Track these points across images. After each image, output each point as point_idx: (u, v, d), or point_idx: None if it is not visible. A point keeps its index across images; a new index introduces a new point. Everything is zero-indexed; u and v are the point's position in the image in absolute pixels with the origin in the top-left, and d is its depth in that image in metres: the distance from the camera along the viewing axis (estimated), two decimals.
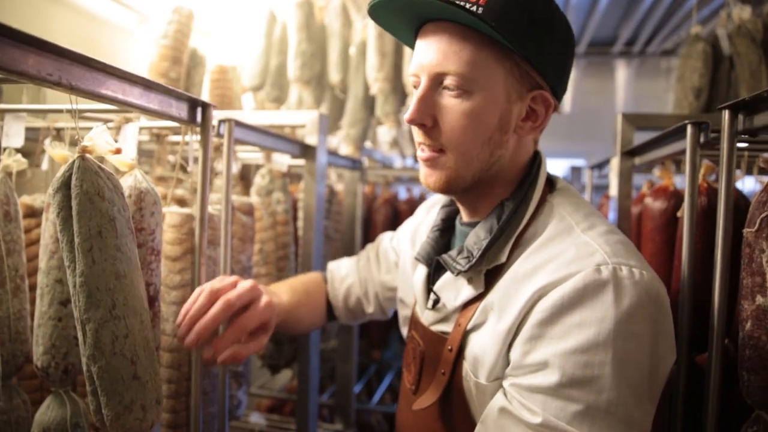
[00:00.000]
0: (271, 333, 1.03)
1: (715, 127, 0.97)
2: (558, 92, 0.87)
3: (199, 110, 0.96)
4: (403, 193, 3.03)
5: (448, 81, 0.82)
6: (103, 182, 0.75)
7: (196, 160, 1.23)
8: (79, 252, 0.74)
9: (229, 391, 1.18)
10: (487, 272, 0.86)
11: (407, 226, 1.23)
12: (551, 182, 0.93)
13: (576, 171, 2.59)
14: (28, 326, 0.98)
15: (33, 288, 1.10)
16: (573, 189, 0.92)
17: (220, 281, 0.97)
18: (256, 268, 1.59)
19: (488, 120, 0.83)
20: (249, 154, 1.69)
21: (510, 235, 0.85)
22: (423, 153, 0.88)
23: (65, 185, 0.74)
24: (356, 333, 2.28)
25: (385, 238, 1.32)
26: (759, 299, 0.83)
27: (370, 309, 1.29)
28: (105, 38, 2.02)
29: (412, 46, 0.91)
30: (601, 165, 1.97)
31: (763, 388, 0.83)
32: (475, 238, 0.87)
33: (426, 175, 0.89)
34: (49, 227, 0.94)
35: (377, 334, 2.60)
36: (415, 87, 0.88)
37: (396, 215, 2.67)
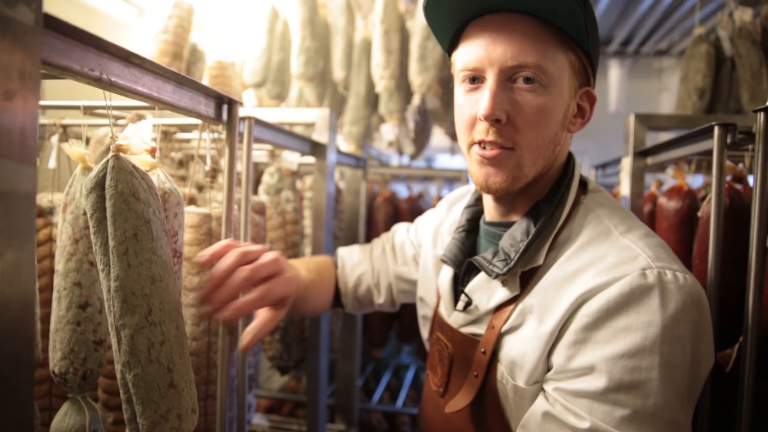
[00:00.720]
0: (288, 308, 0.97)
1: (742, 128, 0.98)
2: (593, 87, 0.87)
3: (225, 107, 0.93)
4: (403, 192, 3.02)
5: (525, 74, 0.79)
6: (138, 183, 0.73)
7: (203, 158, 1.21)
8: (114, 255, 0.71)
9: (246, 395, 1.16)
10: (522, 274, 0.85)
11: (427, 222, 1.21)
12: (583, 183, 0.92)
13: None
14: (38, 330, 0.95)
15: (42, 290, 1.07)
16: (605, 191, 0.91)
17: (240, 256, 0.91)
18: None
19: (557, 116, 0.82)
20: (255, 152, 1.66)
21: (546, 237, 0.84)
22: (487, 151, 0.83)
23: (99, 186, 0.71)
24: (359, 332, 2.27)
25: (401, 230, 1.30)
26: None
27: (380, 300, 1.27)
28: (102, 32, 1.97)
29: (444, 45, 0.89)
30: (606, 165, 1.98)
31: None
32: (511, 240, 0.85)
33: (488, 174, 0.84)
34: (66, 228, 0.91)
35: (378, 333, 2.59)
36: (464, 82, 0.84)
37: (396, 213, 2.66)
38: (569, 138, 0.89)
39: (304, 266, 1.20)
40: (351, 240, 2.21)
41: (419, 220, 1.25)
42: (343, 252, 1.33)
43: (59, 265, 0.91)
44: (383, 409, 2.48)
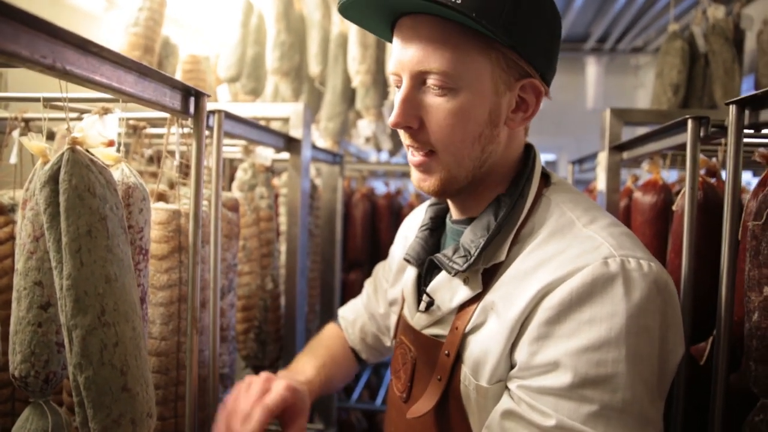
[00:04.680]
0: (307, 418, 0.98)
1: (715, 122, 0.98)
2: (547, 77, 0.82)
3: (192, 100, 0.90)
4: (381, 188, 3.01)
5: (432, 80, 0.76)
6: (94, 177, 0.70)
7: (173, 153, 1.18)
8: (66, 253, 0.68)
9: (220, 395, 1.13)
10: (485, 271, 0.82)
11: (395, 246, 1.18)
12: (546, 176, 0.90)
13: (549, 166, 2.62)
14: None
15: (3, 291, 1.03)
16: (569, 183, 0.90)
17: (249, 390, 0.91)
18: (239, 265, 1.53)
19: (477, 116, 0.78)
20: (228, 148, 1.63)
21: (508, 231, 0.81)
22: (414, 157, 0.83)
23: (53, 179, 0.68)
24: None
25: (380, 268, 1.27)
26: (766, 290, 0.84)
27: (388, 342, 1.23)
28: (69, 24, 1.91)
29: (390, 41, 0.86)
30: (583, 160, 1.99)
31: None
32: (471, 235, 0.82)
33: (419, 180, 0.84)
34: (26, 225, 0.87)
35: None
36: (397, 86, 0.82)
37: (374, 210, 2.65)
38: (517, 132, 0.85)
39: (314, 358, 1.16)
40: (328, 237, 2.18)
41: (391, 249, 1.22)
42: (342, 312, 1.30)
43: (19, 264, 0.87)
44: (362, 408, 2.47)
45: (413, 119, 0.79)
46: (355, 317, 1.25)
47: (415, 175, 0.85)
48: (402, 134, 0.83)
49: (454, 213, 0.93)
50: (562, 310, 0.71)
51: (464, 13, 0.70)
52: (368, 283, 1.29)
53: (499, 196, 0.84)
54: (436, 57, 0.75)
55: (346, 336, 1.25)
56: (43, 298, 0.85)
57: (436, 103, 0.77)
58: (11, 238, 1.08)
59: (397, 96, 0.81)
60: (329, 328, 1.29)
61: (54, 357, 0.85)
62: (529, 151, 0.89)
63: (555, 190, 0.86)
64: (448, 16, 0.73)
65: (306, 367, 1.12)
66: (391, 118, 0.80)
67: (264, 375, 0.94)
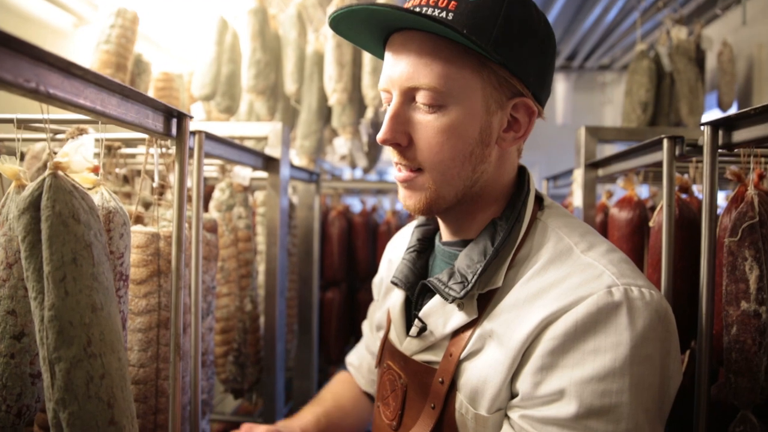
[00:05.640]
0: None
1: (689, 141, 1.01)
2: (541, 97, 0.82)
3: (174, 121, 0.89)
4: (357, 205, 3.00)
5: (421, 97, 0.75)
6: (78, 203, 0.67)
7: (150, 174, 1.15)
8: (49, 282, 0.65)
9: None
10: (480, 296, 0.80)
11: (378, 274, 1.16)
12: (539, 199, 0.89)
13: None
14: None
15: None
16: (560, 206, 0.89)
17: None
18: (218, 287, 1.50)
19: (467, 134, 0.77)
20: (206, 167, 1.61)
21: (505, 257, 0.80)
22: (400, 173, 0.81)
23: (33, 206, 0.65)
24: (316, 349, 2.22)
25: (373, 308, 1.24)
26: (743, 305, 0.87)
27: None
28: (37, 41, 1.86)
29: (381, 57, 0.85)
30: (557, 176, 2.03)
31: (749, 390, 0.86)
32: (467, 260, 0.80)
33: (405, 197, 0.83)
34: None
35: (334, 349, 2.54)
36: (387, 103, 0.81)
37: (350, 227, 2.64)
38: (510, 153, 0.85)
39: (315, 404, 1.15)
40: (305, 256, 2.16)
41: (374, 280, 1.20)
42: (349, 359, 1.27)
43: None
44: None
45: (402, 136, 0.78)
46: (360, 362, 1.22)
47: (401, 192, 0.84)
48: (391, 151, 0.82)
49: (444, 234, 0.91)
50: (567, 341, 0.70)
51: (455, 29, 0.69)
52: (365, 325, 1.26)
53: (495, 220, 0.83)
54: (426, 73, 0.74)
55: (357, 382, 1.22)
56: (17, 327, 0.81)
57: (425, 120, 0.76)
58: None
59: (387, 112, 0.80)
60: (339, 376, 1.26)
61: (27, 389, 0.81)
62: (522, 173, 0.88)
63: (549, 214, 0.85)
64: (439, 32, 0.73)
65: (305, 414, 1.11)
66: (379, 135, 0.78)
67: (247, 425, 0.94)
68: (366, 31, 0.80)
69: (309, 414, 1.10)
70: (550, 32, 0.81)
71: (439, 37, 0.74)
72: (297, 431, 1.04)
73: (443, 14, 0.73)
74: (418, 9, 0.74)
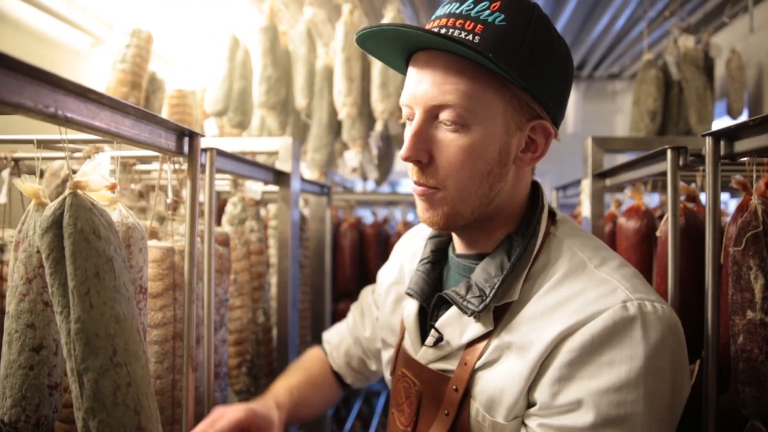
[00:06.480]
0: None
1: (692, 151, 1.02)
2: (557, 119, 0.84)
3: (186, 140, 0.92)
4: (368, 217, 3.02)
5: (445, 115, 0.77)
6: (97, 220, 0.70)
7: (164, 189, 1.18)
8: (74, 296, 0.68)
9: None
10: (496, 308, 0.83)
11: (387, 272, 1.17)
12: (551, 214, 0.92)
13: None
14: None
15: None
16: (571, 220, 0.92)
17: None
18: (231, 299, 1.53)
19: (487, 154, 0.79)
20: (217, 181, 1.64)
21: (521, 271, 0.83)
22: (418, 187, 0.83)
23: (56, 224, 0.68)
24: None
25: (368, 293, 1.27)
26: (749, 314, 0.87)
27: (373, 366, 1.23)
28: (57, 61, 1.92)
29: (403, 72, 0.87)
30: (567, 186, 2.03)
31: (757, 399, 0.86)
32: (485, 274, 0.83)
33: (423, 210, 0.85)
34: (18, 267, 0.87)
35: None
36: (409, 119, 0.83)
37: (362, 239, 2.66)
38: (525, 171, 0.87)
39: (287, 377, 1.18)
40: (317, 268, 2.18)
41: (380, 273, 1.21)
42: (326, 336, 1.30)
43: (10, 306, 0.86)
44: None
45: (423, 153, 0.79)
46: (339, 341, 1.25)
47: (420, 205, 0.86)
48: (410, 169, 0.83)
49: (459, 247, 0.93)
50: (584, 353, 0.73)
51: (481, 53, 0.71)
52: (355, 308, 1.29)
53: (511, 235, 0.85)
54: (452, 91, 0.76)
55: (330, 360, 1.25)
56: (35, 340, 0.84)
57: (447, 138, 0.78)
58: (0, 278, 1.07)
59: (408, 129, 0.81)
60: (311, 352, 1.30)
61: (45, 400, 0.84)
62: (536, 189, 0.90)
63: (562, 229, 0.88)
64: (465, 55, 0.75)
65: (278, 388, 1.14)
66: (401, 152, 0.81)
67: (219, 408, 0.97)
68: (390, 48, 0.82)
69: (281, 389, 1.13)
70: (569, 57, 0.84)
71: (463, 59, 0.76)
72: (272, 404, 1.07)
73: (470, 37, 0.75)
74: (444, 30, 0.76)
